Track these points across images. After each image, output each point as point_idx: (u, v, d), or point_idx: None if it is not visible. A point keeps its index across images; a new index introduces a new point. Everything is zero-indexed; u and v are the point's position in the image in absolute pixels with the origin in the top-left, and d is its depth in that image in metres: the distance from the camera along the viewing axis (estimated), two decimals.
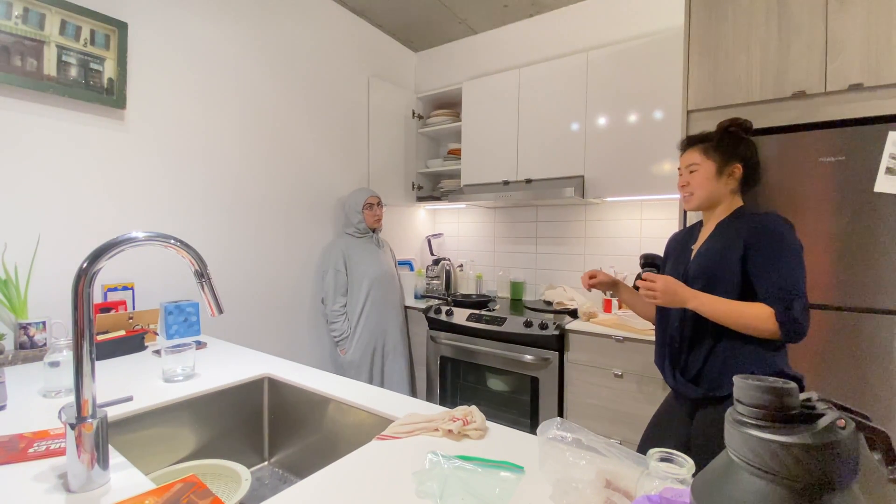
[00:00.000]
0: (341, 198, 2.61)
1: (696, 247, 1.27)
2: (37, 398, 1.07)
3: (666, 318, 1.30)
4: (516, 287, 2.80)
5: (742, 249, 1.13)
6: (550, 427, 0.74)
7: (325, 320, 2.48)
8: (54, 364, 1.09)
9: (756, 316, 1.08)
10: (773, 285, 1.08)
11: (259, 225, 2.19)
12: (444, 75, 3.14)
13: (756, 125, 1.60)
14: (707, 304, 1.13)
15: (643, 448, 1.34)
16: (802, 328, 1.05)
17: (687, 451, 1.19)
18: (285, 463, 1.27)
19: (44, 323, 1.42)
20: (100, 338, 1.44)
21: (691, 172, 1.26)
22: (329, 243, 2.49)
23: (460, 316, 2.38)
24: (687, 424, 1.24)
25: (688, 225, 1.49)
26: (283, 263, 2.31)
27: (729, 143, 1.24)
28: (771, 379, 0.38)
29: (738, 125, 1.26)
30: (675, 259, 1.35)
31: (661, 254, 1.45)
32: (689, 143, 1.30)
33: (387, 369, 2.42)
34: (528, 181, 2.47)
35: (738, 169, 1.23)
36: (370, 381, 2.33)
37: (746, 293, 1.13)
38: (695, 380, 1.20)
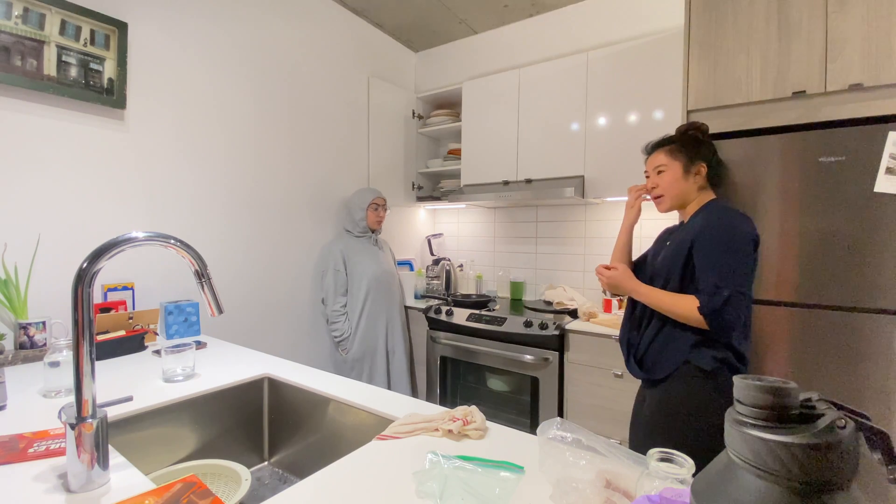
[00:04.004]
0: (341, 198, 2.61)
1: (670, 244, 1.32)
2: (37, 398, 1.07)
3: (633, 304, 1.37)
4: (516, 287, 2.80)
5: (690, 244, 1.18)
6: (550, 427, 0.74)
7: (325, 320, 2.47)
8: (54, 364, 1.09)
9: (684, 307, 1.14)
10: (707, 277, 1.13)
11: (259, 225, 2.19)
12: (444, 75, 3.14)
13: (756, 125, 1.61)
14: (644, 296, 1.24)
15: (631, 440, 1.39)
16: (724, 320, 1.08)
17: (651, 432, 1.25)
18: (285, 463, 1.27)
19: (44, 323, 1.42)
20: (100, 338, 1.44)
21: (659, 174, 1.32)
22: (328, 243, 2.49)
23: (460, 316, 2.38)
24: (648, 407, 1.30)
25: None
26: (283, 263, 2.31)
27: (692, 144, 1.30)
28: (771, 379, 0.38)
29: (696, 128, 1.33)
30: (652, 254, 1.41)
31: None
32: (655, 146, 1.36)
33: (391, 368, 2.41)
34: (528, 181, 2.47)
35: (703, 168, 1.29)
36: (371, 381, 2.32)
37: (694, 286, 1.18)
38: (639, 363, 1.28)
